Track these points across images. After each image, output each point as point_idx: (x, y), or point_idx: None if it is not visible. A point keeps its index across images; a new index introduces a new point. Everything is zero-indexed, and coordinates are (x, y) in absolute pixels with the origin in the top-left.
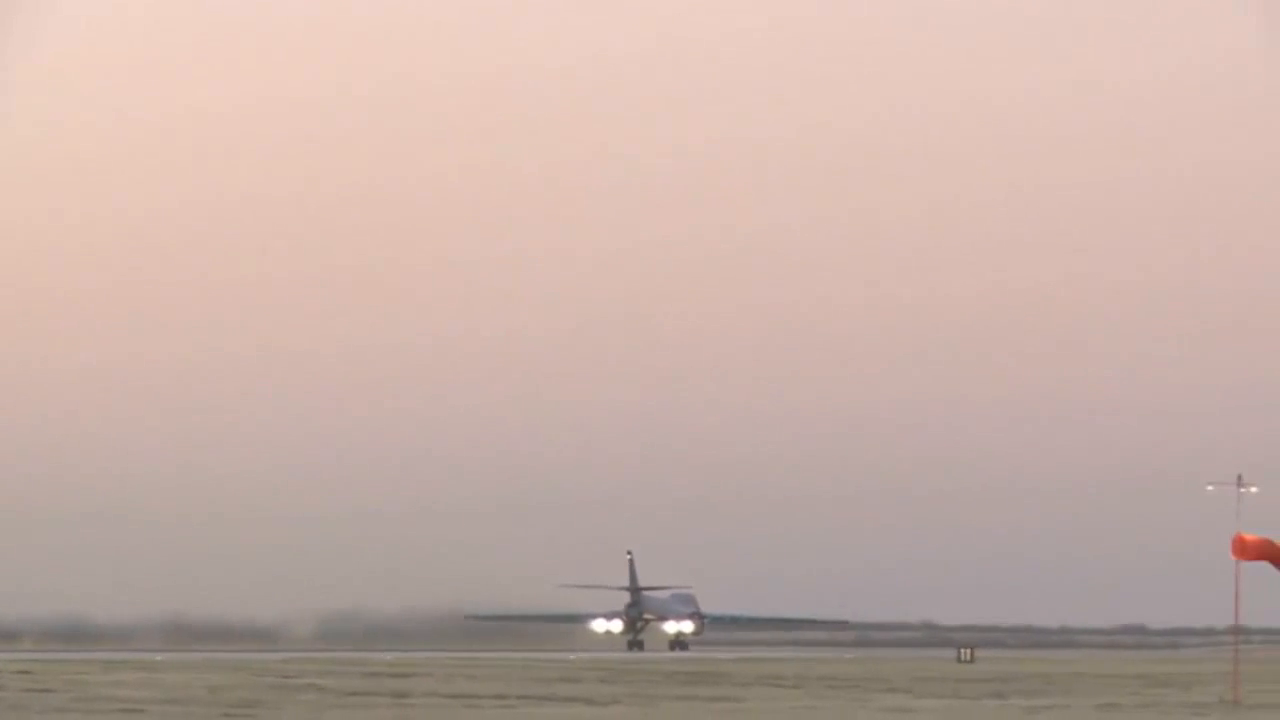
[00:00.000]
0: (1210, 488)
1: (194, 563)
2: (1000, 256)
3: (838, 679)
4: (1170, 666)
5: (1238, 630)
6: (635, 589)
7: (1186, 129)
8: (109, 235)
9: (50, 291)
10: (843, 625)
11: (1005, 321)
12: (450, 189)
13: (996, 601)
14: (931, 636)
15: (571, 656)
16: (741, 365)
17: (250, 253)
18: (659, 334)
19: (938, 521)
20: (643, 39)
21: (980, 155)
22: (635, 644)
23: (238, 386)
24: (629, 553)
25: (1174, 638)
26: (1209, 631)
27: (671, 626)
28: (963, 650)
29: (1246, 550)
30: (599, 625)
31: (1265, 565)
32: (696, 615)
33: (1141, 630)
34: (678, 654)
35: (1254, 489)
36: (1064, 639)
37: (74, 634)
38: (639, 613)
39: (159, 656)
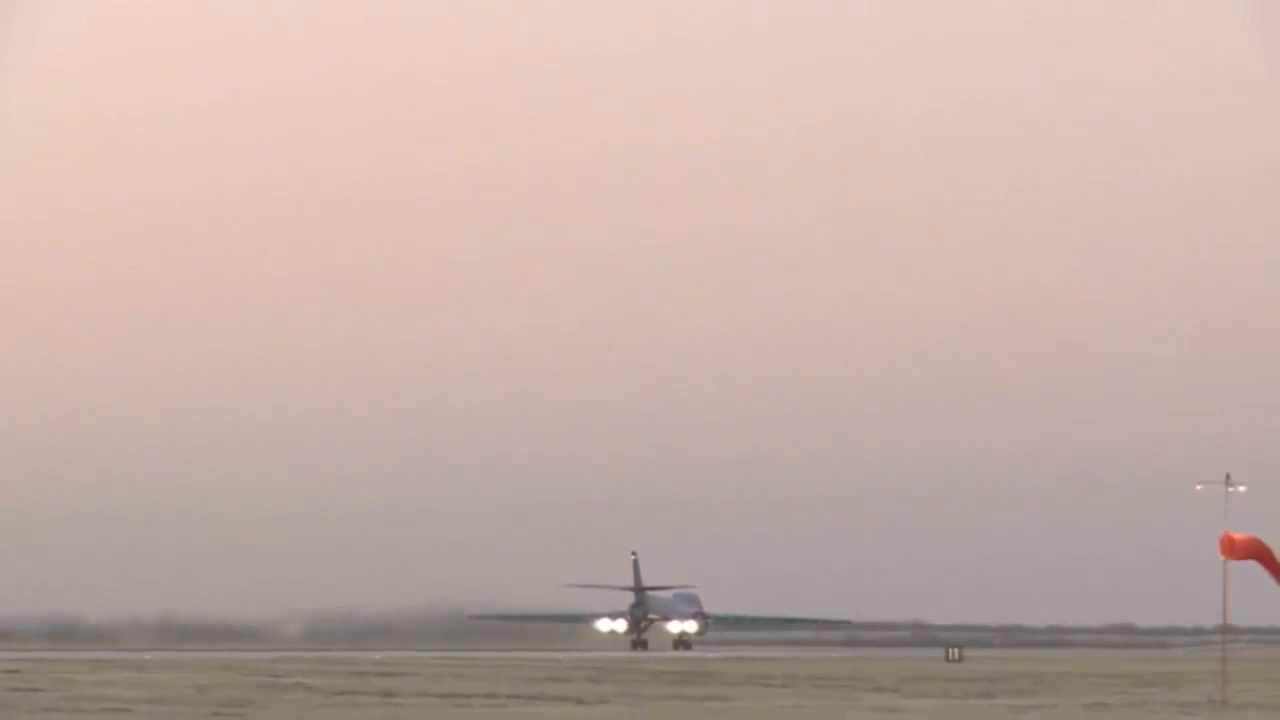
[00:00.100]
0: (1199, 487)
1: (186, 562)
2: (999, 256)
3: (826, 678)
4: (1158, 666)
5: (1226, 630)
6: (639, 589)
7: (1186, 129)
8: (107, 234)
9: (49, 291)
10: (845, 625)
11: (999, 322)
12: (450, 189)
13: (985, 601)
14: (920, 636)
15: (561, 656)
16: (742, 365)
17: (250, 252)
18: (660, 333)
19: (926, 521)
20: (643, 38)
21: (980, 155)
22: (639, 643)
23: (232, 386)
24: (633, 553)
25: (1162, 637)
26: (1197, 631)
27: (675, 626)
28: (951, 650)
29: (1235, 550)
30: (603, 625)
31: (1254, 565)
32: (700, 615)
33: (1130, 630)
34: (665, 653)
35: (1242, 488)
36: (1053, 638)
37: (62, 633)
38: (643, 613)
39: (148, 655)
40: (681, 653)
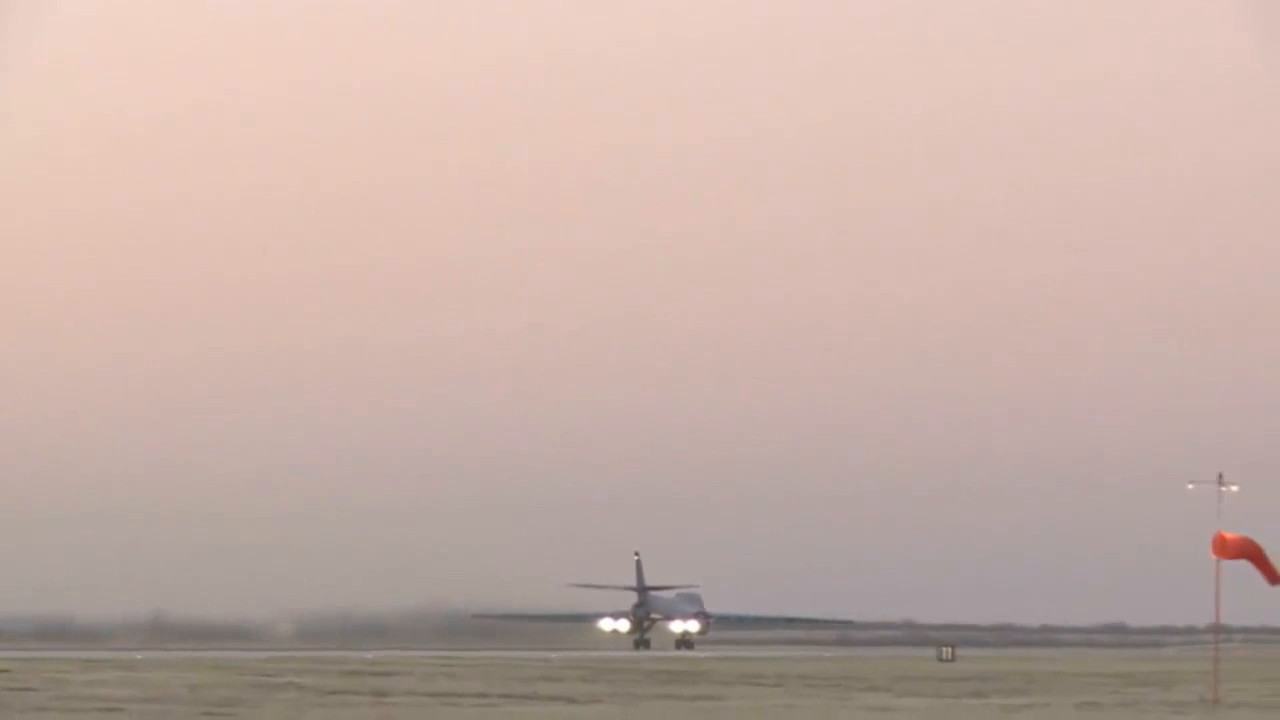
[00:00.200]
0: (1191, 486)
1: (180, 562)
2: (999, 256)
3: (818, 677)
4: (1151, 665)
5: (1218, 629)
6: (642, 589)
7: (1186, 129)
8: (107, 234)
9: (49, 291)
10: (847, 625)
11: (997, 323)
12: (450, 189)
13: (977, 600)
14: (912, 635)
15: (554, 655)
16: (742, 365)
17: (250, 252)
18: (660, 333)
19: (918, 521)
20: (642, 38)
21: (980, 154)
22: (642, 643)
23: (231, 385)
24: (636, 553)
25: (1154, 636)
26: (1189, 630)
27: (678, 626)
28: (943, 649)
29: (1227, 549)
30: (606, 624)
31: (1246, 564)
32: (702, 615)
33: (1122, 629)
34: (658, 653)
35: (1234, 488)
36: (1044, 638)
37: (54, 632)
38: (645, 612)
39: (140, 655)
40: (683, 652)
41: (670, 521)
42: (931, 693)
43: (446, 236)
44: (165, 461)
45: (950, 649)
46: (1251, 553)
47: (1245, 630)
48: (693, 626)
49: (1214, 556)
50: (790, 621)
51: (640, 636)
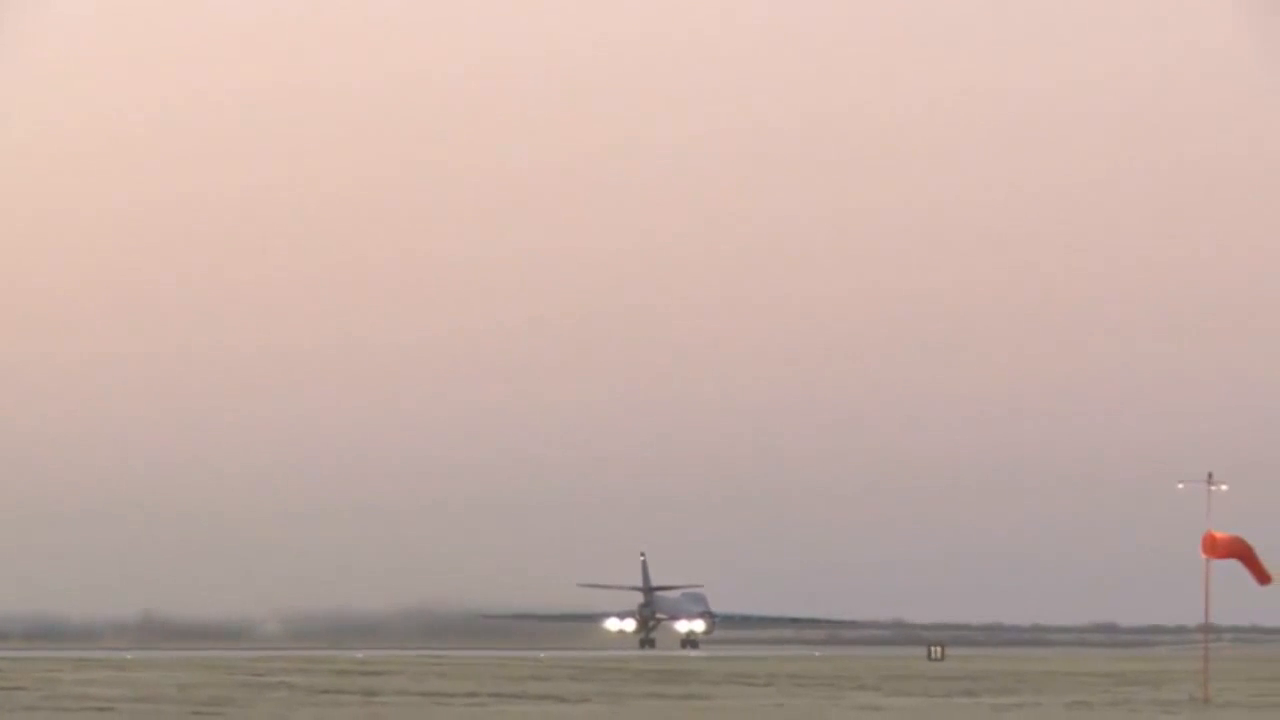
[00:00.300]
0: (1181, 486)
1: (173, 561)
2: (1000, 256)
3: (808, 677)
4: (1141, 664)
5: (1208, 628)
6: (648, 589)
7: (1186, 128)
8: (107, 234)
9: (49, 291)
10: (851, 625)
11: (991, 323)
12: (450, 186)
13: (967, 599)
14: (902, 634)
15: (542, 655)
16: (743, 364)
17: (250, 252)
18: (662, 332)
19: (908, 519)
20: (642, 35)
21: (980, 153)
22: (647, 642)
23: (231, 385)
24: (642, 554)
25: (1145, 636)
26: (1180, 630)
27: (683, 625)
28: (933, 648)
29: (1217, 548)
30: (612, 624)
31: (1235, 563)
32: (707, 614)
33: (1112, 628)
34: (652, 652)
35: (1224, 487)
36: (1035, 637)
37: (45, 632)
38: (651, 612)
39: (130, 654)
40: (686, 651)
41: (670, 521)
42: (921, 692)
43: (446, 236)
44: (157, 461)
45: (940, 648)
46: (1241, 552)
47: (1235, 629)
48: (698, 626)
49: (1204, 556)
50: (794, 622)
51: (645, 636)
